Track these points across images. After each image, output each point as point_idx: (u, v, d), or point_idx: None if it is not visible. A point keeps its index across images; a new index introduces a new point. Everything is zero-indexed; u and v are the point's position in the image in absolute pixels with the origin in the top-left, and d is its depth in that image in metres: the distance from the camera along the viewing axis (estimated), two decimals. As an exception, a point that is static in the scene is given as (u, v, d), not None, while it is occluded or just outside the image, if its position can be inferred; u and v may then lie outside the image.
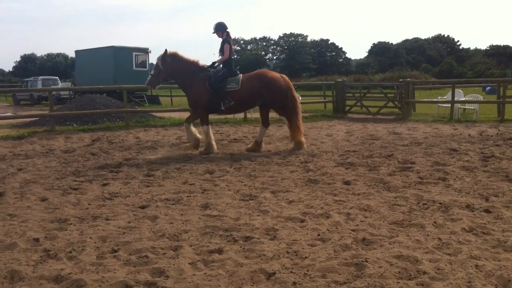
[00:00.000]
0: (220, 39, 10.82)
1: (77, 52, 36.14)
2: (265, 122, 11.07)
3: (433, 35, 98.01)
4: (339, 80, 22.38)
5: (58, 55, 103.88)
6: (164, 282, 3.95)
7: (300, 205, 6.26)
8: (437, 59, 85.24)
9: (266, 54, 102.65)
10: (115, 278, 4.03)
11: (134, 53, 33.01)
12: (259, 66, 77.05)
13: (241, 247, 4.76)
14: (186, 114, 13.26)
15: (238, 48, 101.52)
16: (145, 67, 32.72)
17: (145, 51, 33.60)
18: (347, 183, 7.50)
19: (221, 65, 10.75)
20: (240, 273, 4.08)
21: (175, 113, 19.21)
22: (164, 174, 8.40)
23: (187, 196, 6.81)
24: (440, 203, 6.13)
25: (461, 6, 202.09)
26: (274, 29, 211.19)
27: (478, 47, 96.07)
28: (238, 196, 6.85)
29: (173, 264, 4.31)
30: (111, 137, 13.73)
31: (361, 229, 5.21)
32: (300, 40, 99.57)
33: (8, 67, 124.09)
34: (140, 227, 5.45)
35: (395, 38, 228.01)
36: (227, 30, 10.82)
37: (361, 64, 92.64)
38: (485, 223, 5.33)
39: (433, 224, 5.33)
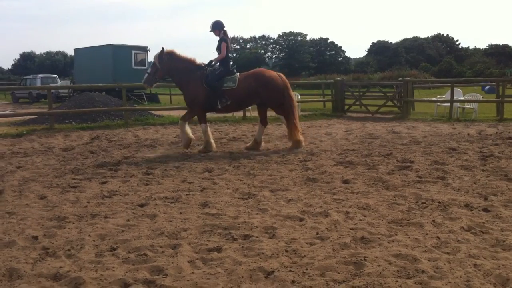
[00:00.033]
0: (217, 38, 10.80)
1: (76, 50, 36.11)
2: (264, 120, 11.07)
3: (433, 34, 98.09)
4: (338, 79, 22.41)
5: (57, 53, 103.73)
6: (163, 280, 3.95)
7: (299, 204, 6.26)
8: (436, 58, 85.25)
9: (265, 53, 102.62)
10: (114, 276, 4.03)
11: (133, 51, 32.98)
12: (259, 64, 77.08)
13: (240, 245, 4.76)
14: (185, 113, 13.21)
15: (238, 46, 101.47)
16: (144, 66, 32.68)
17: (145, 49, 33.58)
18: (346, 181, 7.51)
19: (218, 64, 10.73)
20: (238, 272, 4.08)
21: (174, 111, 19.18)
22: (163, 172, 8.40)
23: (186, 195, 6.81)
24: (439, 202, 6.13)
25: (460, 5, 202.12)
26: (273, 27, 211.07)
27: (477, 46, 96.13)
28: (237, 194, 6.85)
29: (172, 262, 4.31)
30: (110, 135, 13.72)
31: (360, 228, 5.22)
32: (299, 39, 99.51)
33: (7, 65, 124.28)
34: (139, 225, 5.45)
35: (394, 37, 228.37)
36: (224, 28, 10.81)
37: (360, 63, 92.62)
38: (483, 222, 5.34)
39: (431, 223, 5.34)
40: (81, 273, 4.11)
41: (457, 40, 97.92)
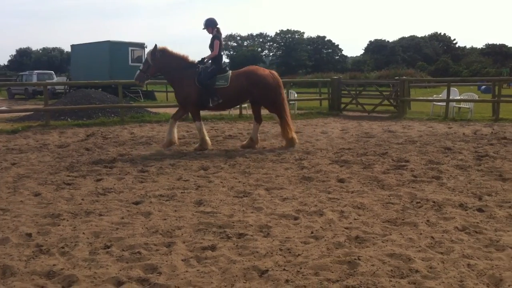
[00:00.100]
0: (210, 35, 10.77)
1: (73, 46, 35.97)
2: (258, 118, 11.05)
3: (430, 33, 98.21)
4: (335, 77, 22.35)
5: (54, 49, 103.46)
6: (157, 279, 3.94)
7: (294, 203, 6.26)
8: (433, 57, 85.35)
9: (262, 51, 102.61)
10: (108, 274, 4.02)
11: (130, 48, 32.89)
12: (255, 62, 76.91)
13: (234, 244, 4.76)
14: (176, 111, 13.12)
15: (235, 44, 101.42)
16: (141, 62, 32.61)
17: (141, 46, 33.47)
18: (341, 180, 7.51)
19: (210, 62, 10.69)
20: (233, 270, 4.08)
21: (170, 109, 19.10)
22: (158, 170, 8.39)
23: (181, 193, 6.80)
24: (434, 202, 6.14)
25: (457, 5, 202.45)
26: (270, 25, 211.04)
27: (474, 46, 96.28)
28: (232, 193, 6.85)
29: (166, 261, 4.30)
30: (105, 132, 13.69)
31: (355, 227, 5.22)
32: (296, 36, 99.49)
33: (3, 60, 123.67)
34: (133, 223, 5.44)
35: (391, 35, 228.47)
36: (217, 26, 10.78)
37: (357, 62, 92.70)
38: (478, 222, 5.35)
39: (426, 223, 5.35)
40: (75, 270, 4.10)
41: (454, 39, 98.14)
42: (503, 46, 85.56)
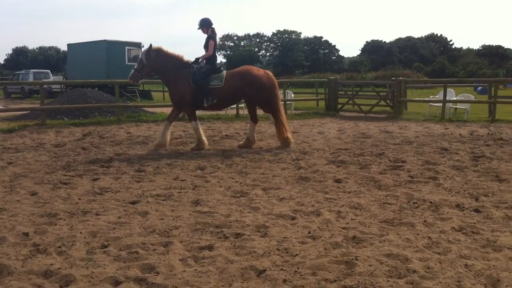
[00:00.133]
0: (205, 35, 10.75)
1: (69, 45, 35.91)
2: (254, 118, 11.04)
3: (426, 34, 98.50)
4: (332, 77, 22.37)
5: (50, 48, 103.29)
6: (154, 278, 3.93)
7: (291, 203, 6.26)
8: (429, 58, 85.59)
9: (259, 51, 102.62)
10: (105, 274, 4.02)
11: (126, 48, 32.86)
12: (252, 62, 76.99)
13: (231, 244, 4.76)
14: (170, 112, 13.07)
15: (232, 44, 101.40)
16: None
17: (138, 45, 33.44)
18: (338, 181, 7.52)
19: (204, 61, 10.66)
20: (230, 270, 4.08)
21: (167, 108, 19.07)
22: (155, 170, 8.38)
23: (178, 192, 6.79)
24: (430, 202, 6.15)
25: (454, 6, 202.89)
26: (267, 25, 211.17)
27: (470, 47, 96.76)
28: (229, 192, 6.84)
29: (163, 260, 4.30)
30: (102, 131, 13.67)
31: (352, 227, 5.22)
32: (293, 37, 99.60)
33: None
34: (130, 223, 5.43)
35: (388, 36, 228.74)
36: (212, 26, 10.76)
37: (353, 62, 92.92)
38: (474, 223, 5.36)
39: (423, 223, 5.35)
40: (72, 270, 4.09)
41: (451, 41, 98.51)
42: (499, 47, 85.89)
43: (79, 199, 6.49)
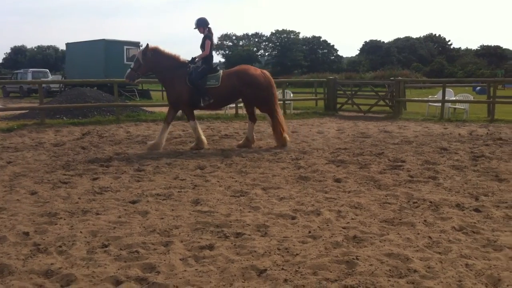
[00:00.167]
0: (202, 35, 10.74)
1: (68, 44, 35.90)
2: (252, 117, 11.02)
3: (425, 34, 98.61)
4: (331, 77, 22.39)
5: (49, 47, 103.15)
6: (155, 278, 3.93)
7: (291, 202, 6.26)
8: (428, 58, 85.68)
9: (258, 50, 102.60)
10: (106, 273, 4.01)
11: (125, 47, 32.85)
12: (251, 62, 77.06)
13: (232, 243, 4.76)
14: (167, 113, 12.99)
15: (230, 43, 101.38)
16: (136, 61, 32.52)
17: (137, 45, 33.43)
18: (338, 180, 7.52)
19: (200, 61, 10.62)
20: (231, 270, 4.08)
21: (166, 107, 19.03)
22: (155, 169, 8.38)
23: (178, 192, 6.79)
24: (430, 202, 6.16)
25: (453, 6, 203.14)
26: (266, 25, 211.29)
27: (469, 47, 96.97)
28: (229, 192, 6.84)
29: (164, 260, 4.29)
30: (101, 131, 13.66)
31: (352, 227, 5.23)
32: (292, 37, 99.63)
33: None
34: (130, 222, 5.43)
35: (386, 36, 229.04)
36: (209, 25, 10.75)
37: (352, 62, 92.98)
38: (475, 222, 5.37)
39: (423, 223, 5.36)
40: (73, 269, 4.09)
41: (449, 41, 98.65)
42: (497, 47, 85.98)
43: (79, 198, 6.48)
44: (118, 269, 4.10)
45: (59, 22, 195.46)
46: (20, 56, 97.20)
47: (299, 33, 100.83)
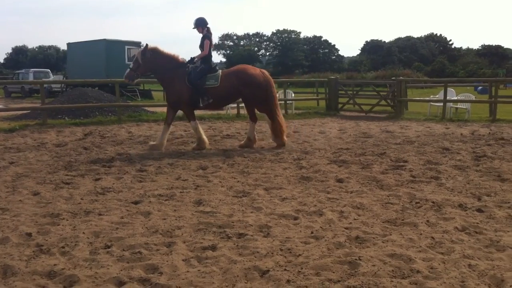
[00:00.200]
0: (201, 35, 10.72)
1: (69, 44, 35.91)
2: (253, 117, 11.01)
3: (426, 34, 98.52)
4: (332, 77, 22.37)
5: (50, 47, 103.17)
6: (158, 279, 3.93)
7: (293, 203, 6.26)
8: (429, 58, 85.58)
9: (259, 50, 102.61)
10: (109, 274, 4.01)
11: (126, 47, 32.85)
12: (252, 62, 77.07)
13: (234, 244, 4.75)
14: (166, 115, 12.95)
15: (231, 43, 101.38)
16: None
17: (138, 45, 33.37)
18: (340, 180, 7.52)
19: (199, 61, 10.60)
20: (234, 270, 4.08)
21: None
22: (157, 170, 8.38)
23: (180, 192, 6.79)
24: (433, 202, 6.15)
25: (454, 6, 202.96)
26: (267, 25, 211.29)
27: (470, 47, 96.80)
28: (231, 192, 6.84)
29: (167, 261, 4.30)
30: (103, 131, 13.66)
31: (355, 227, 5.22)
32: (293, 36, 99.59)
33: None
34: (133, 223, 5.43)
35: (388, 36, 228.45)
36: (208, 25, 10.73)
37: (353, 62, 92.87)
38: (477, 223, 5.36)
39: (426, 223, 5.35)
40: (76, 270, 4.09)
41: (450, 40, 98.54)
42: (499, 47, 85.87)
43: (82, 199, 6.49)
44: (121, 270, 4.11)
45: (59, 22, 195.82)
46: (21, 56, 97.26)
47: (300, 32, 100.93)
